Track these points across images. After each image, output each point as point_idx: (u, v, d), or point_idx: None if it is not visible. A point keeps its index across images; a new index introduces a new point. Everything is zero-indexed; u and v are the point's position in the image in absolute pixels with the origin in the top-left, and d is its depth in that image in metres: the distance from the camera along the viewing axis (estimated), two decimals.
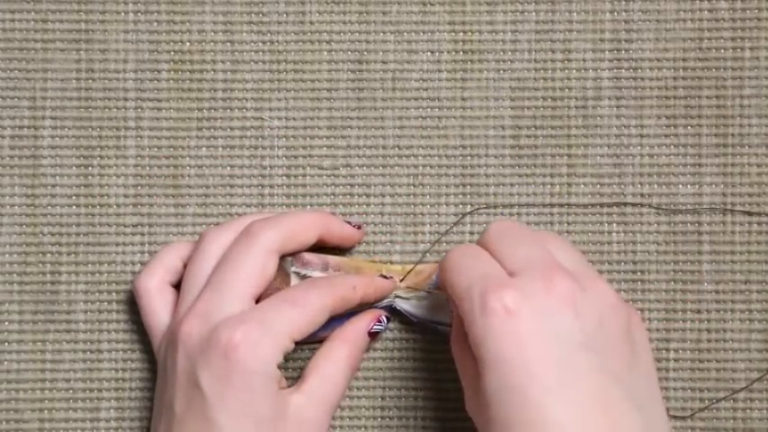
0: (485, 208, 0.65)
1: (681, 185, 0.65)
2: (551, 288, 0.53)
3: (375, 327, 0.63)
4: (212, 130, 0.65)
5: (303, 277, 0.63)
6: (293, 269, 0.63)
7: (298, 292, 0.60)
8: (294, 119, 0.65)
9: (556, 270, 0.54)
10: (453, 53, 0.65)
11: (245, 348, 0.57)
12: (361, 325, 0.62)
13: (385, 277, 0.63)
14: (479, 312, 0.53)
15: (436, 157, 0.65)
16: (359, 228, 0.64)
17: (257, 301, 0.60)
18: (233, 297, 0.59)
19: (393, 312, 0.64)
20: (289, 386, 0.60)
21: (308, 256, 0.63)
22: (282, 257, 0.62)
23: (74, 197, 0.65)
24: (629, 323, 0.54)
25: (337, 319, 0.62)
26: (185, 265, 0.62)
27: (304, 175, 0.65)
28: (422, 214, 0.65)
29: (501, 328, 0.52)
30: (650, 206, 0.65)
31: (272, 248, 0.60)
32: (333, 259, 0.63)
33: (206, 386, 0.57)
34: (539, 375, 0.51)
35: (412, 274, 0.64)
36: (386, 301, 0.64)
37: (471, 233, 0.65)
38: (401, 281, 0.64)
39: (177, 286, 0.62)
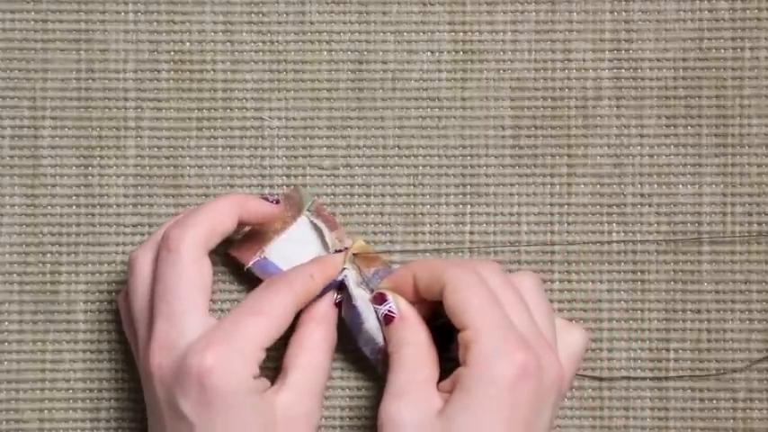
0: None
1: (681, 185, 0.65)
2: (548, 374, 0.57)
3: (340, 296, 0.62)
4: (212, 130, 0.65)
5: (313, 225, 0.63)
6: (311, 216, 0.63)
7: (258, 300, 0.59)
8: (294, 119, 0.65)
9: (554, 355, 0.58)
10: (453, 53, 0.65)
11: (218, 370, 0.56)
12: (327, 299, 0.62)
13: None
14: (506, 361, 0.56)
15: (436, 157, 0.65)
16: (277, 202, 0.63)
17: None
18: (187, 320, 0.58)
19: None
20: (269, 377, 0.60)
21: (329, 214, 0.63)
22: (300, 191, 0.63)
23: (74, 197, 0.65)
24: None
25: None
26: None
27: (304, 175, 0.65)
28: (422, 214, 0.65)
29: (509, 381, 0.56)
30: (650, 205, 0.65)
31: (197, 254, 0.59)
32: (340, 229, 0.63)
33: (190, 414, 0.56)
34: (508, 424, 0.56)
35: (370, 257, 0.63)
36: (340, 276, 0.63)
37: (471, 233, 0.65)
38: (355, 256, 0.63)
39: None
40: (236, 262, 0.64)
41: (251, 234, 0.64)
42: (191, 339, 0.57)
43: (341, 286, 0.62)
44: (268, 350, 0.58)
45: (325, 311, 0.61)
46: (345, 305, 0.62)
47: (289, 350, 0.60)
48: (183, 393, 0.56)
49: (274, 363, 0.62)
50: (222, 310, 0.65)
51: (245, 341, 0.57)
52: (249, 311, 0.58)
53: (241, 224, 0.61)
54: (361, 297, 0.62)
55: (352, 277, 0.62)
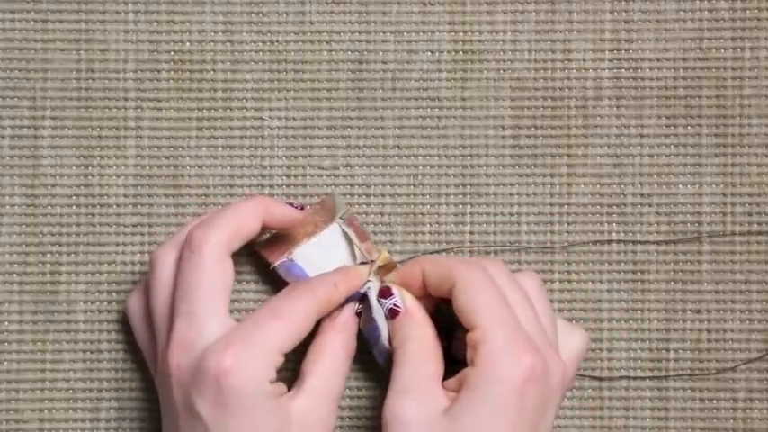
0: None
1: (681, 185, 0.65)
2: (554, 376, 0.57)
3: (360, 307, 0.62)
4: (212, 130, 0.65)
5: (344, 234, 0.63)
6: (343, 224, 0.63)
7: (280, 304, 0.58)
8: (294, 119, 0.65)
9: (558, 355, 0.59)
10: (453, 53, 0.65)
11: (235, 372, 0.56)
12: (348, 309, 0.61)
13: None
14: (514, 362, 0.56)
15: (436, 157, 0.65)
16: (301, 208, 0.62)
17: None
18: (207, 321, 0.57)
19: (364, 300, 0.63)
20: (283, 380, 0.60)
21: (360, 225, 0.63)
22: (335, 198, 0.63)
23: (74, 197, 0.65)
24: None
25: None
26: None
27: (304, 175, 0.65)
28: (422, 214, 0.65)
29: (517, 383, 0.56)
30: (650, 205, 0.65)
31: (220, 255, 0.58)
32: (369, 243, 0.63)
33: (205, 415, 0.56)
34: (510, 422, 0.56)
35: (388, 267, 0.63)
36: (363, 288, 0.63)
37: (471, 233, 0.65)
38: (380, 268, 0.63)
39: None
40: (263, 261, 0.64)
41: (280, 234, 0.63)
42: (210, 340, 0.57)
43: (362, 298, 0.62)
44: (286, 356, 0.58)
45: (345, 320, 0.61)
46: (365, 316, 0.62)
47: (307, 356, 0.60)
48: (200, 393, 0.56)
49: (293, 367, 0.61)
50: (242, 311, 0.65)
51: (265, 344, 0.57)
52: (270, 315, 0.58)
53: (264, 228, 0.61)
54: (380, 311, 0.62)
55: (374, 290, 0.62)
